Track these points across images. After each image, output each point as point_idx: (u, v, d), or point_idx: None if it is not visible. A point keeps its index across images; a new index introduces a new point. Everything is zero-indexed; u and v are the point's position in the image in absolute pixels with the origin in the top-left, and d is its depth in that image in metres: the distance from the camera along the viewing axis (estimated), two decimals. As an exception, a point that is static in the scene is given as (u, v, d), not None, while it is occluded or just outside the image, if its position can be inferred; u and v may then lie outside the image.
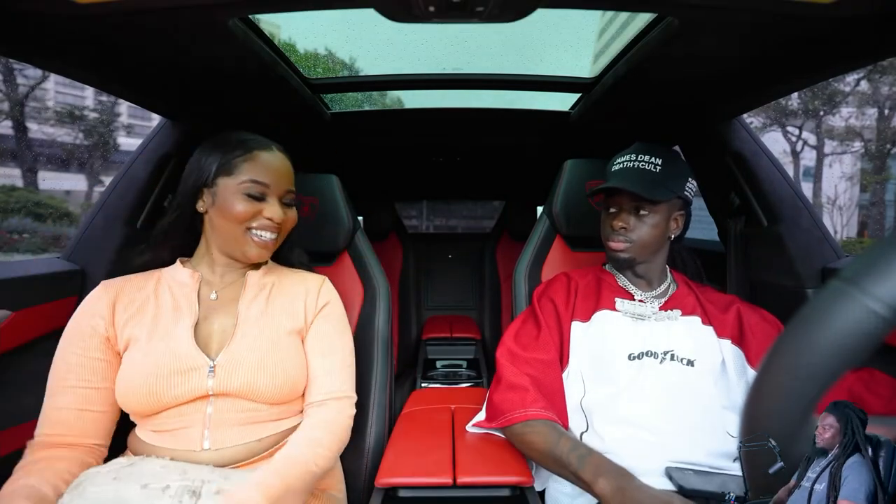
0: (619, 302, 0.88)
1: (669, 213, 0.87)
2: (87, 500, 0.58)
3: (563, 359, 0.86)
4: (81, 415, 0.70)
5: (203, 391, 0.70)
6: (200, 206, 0.78)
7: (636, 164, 0.86)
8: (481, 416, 0.88)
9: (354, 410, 0.83)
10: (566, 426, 0.81)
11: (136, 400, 0.69)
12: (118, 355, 0.73)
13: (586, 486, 0.67)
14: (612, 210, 0.89)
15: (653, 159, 0.85)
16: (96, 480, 0.61)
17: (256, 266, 0.85)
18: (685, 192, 0.87)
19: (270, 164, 0.78)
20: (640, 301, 0.89)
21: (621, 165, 0.88)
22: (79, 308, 0.75)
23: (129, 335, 0.72)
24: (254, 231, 0.77)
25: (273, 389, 0.73)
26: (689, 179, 0.87)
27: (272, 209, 0.77)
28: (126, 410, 0.72)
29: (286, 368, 0.75)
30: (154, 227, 0.81)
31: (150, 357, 0.70)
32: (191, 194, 0.77)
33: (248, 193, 0.75)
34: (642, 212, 0.85)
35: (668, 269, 0.95)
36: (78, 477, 0.63)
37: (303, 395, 0.81)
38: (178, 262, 0.81)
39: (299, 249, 0.95)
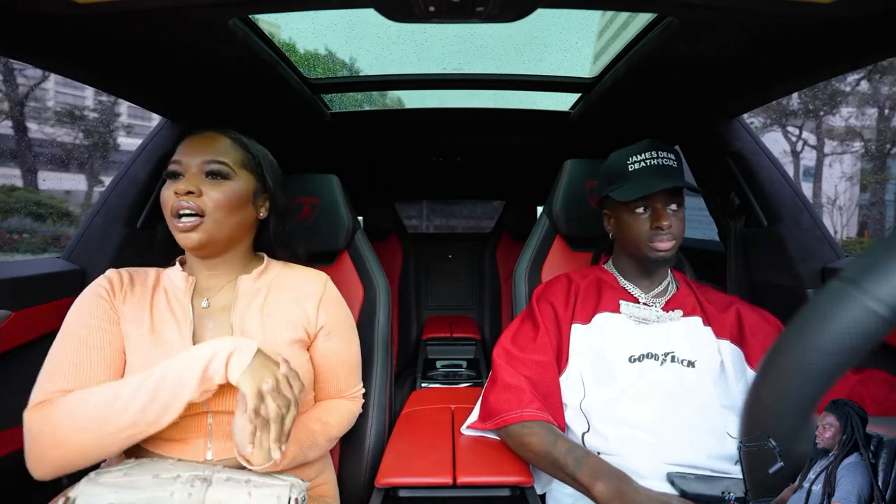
0: (623, 305, 0.88)
1: None
2: (100, 486, 0.58)
3: (562, 361, 0.86)
4: (109, 374, 0.67)
5: (200, 409, 0.68)
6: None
7: (659, 160, 0.82)
8: (474, 416, 0.87)
9: (363, 401, 0.90)
10: (563, 428, 0.81)
11: None
12: (122, 344, 0.71)
13: (583, 489, 0.67)
14: (642, 211, 0.83)
15: (668, 154, 0.83)
16: (108, 473, 0.61)
17: (249, 269, 0.79)
18: None
19: (190, 140, 0.72)
20: (645, 305, 0.88)
21: (643, 164, 0.83)
22: (87, 288, 0.72)
23: (125, 328, 0.70)
24: (177, 219, 0.69)
25: None
26: None
27: (177, 184, 0.68)
28: None
29: None
30: (153, 227, 0.81)
31: (148, 365, 0.67)
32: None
33: (166, 176, 0.70)
34: (675, 207, 0.83)
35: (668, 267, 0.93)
36: (88, 475, 0.62)
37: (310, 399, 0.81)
38: (177, 262, 0.78)
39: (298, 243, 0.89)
